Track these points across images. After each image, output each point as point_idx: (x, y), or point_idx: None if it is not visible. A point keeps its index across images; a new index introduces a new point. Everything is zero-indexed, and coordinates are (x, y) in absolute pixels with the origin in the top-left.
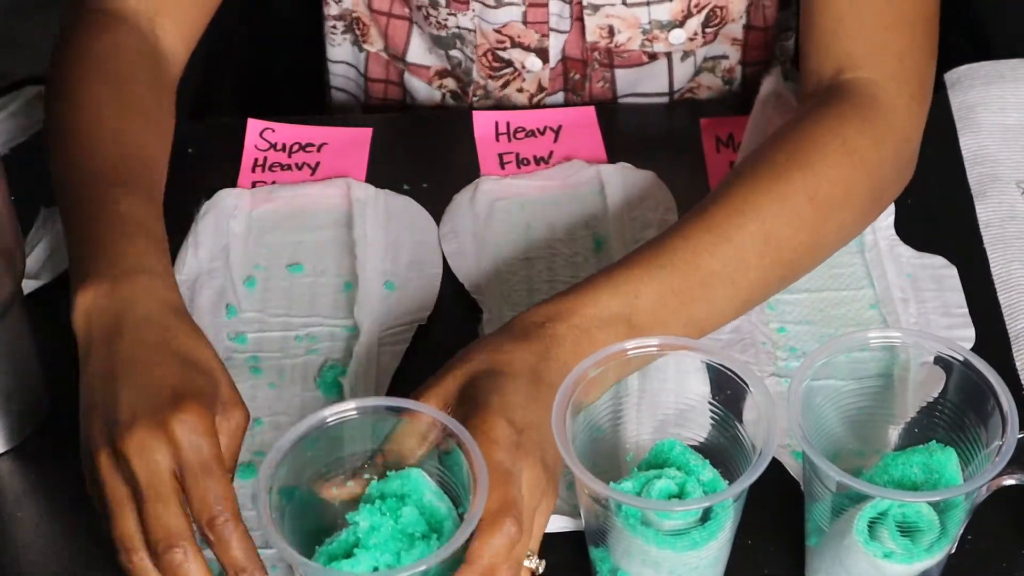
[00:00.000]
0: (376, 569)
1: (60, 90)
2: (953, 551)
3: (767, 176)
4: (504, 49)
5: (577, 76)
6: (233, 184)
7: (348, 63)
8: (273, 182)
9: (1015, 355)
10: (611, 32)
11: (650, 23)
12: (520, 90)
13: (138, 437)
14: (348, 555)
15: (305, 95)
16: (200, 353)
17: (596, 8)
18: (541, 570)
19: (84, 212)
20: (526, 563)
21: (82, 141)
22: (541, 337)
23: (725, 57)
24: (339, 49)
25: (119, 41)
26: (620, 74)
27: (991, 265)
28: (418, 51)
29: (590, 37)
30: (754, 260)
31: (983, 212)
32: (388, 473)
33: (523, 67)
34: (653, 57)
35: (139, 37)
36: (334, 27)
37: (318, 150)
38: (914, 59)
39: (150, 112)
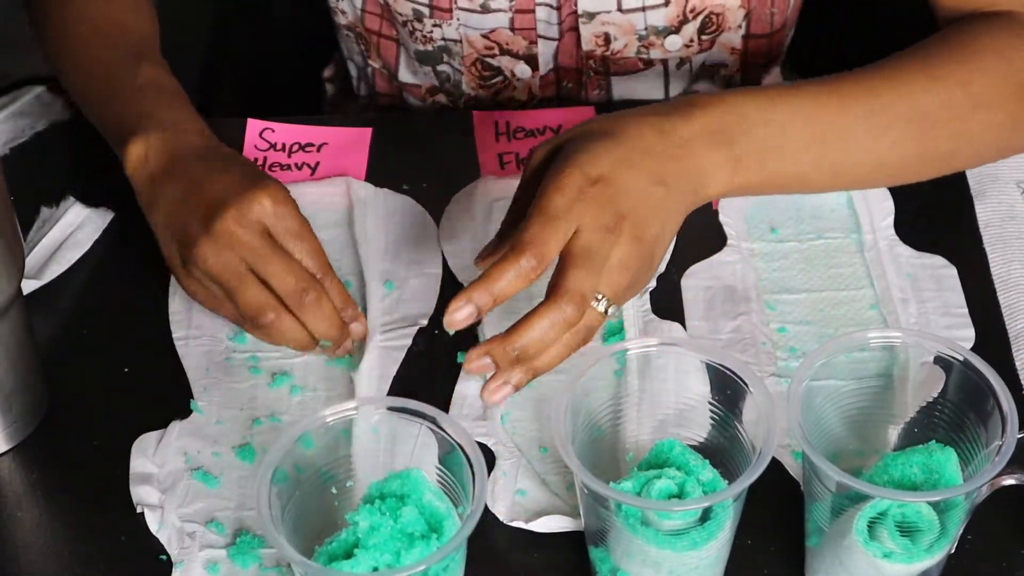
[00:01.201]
0: (376, 569)
1: (49, 6)
2: (953, 551)
3: (921, 57)
4: (493, 56)
5: (570, 85)
6: None
7: (364, 70)
8: None
9: (1015, 355)
10: (607, 40)
11: (646, 29)
12: (511, 99)
13: (234, 213)
14: (348, 555)
15: (305, 95)
16: (258, 169)
17: (592, 16)
18: (617, 314)
19: (115, 89)
20: (597, 305)
21: (86, 36)
22: (666, 113)
23: (724, 65)
24: (358, 58)
25: None
26: (616, 82)
27: (991, 265)
28: (407, 71)
29: (586, 46)
30: (900, 122)
31: (983, 212)
32: (388, 473)
33: (513, 75)
34: (649, 64)
35: None
36: (348, 36)
37: (318, 150)
38: None
39: (141, 8)
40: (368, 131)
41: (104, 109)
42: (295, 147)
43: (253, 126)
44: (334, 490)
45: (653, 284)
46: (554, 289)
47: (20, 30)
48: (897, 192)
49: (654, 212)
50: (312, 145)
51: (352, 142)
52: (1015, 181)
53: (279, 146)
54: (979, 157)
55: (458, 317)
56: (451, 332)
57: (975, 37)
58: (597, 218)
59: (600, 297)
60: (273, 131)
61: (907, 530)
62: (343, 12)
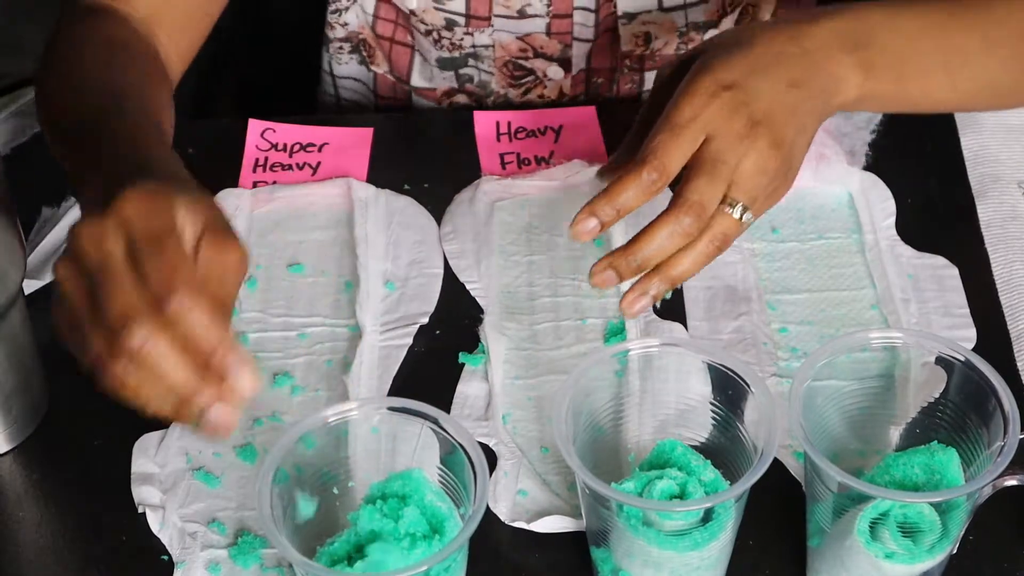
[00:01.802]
0: (377, 570)
1: (55, 60)
2: (955, 552)
3: None
4: (526, 59)
5: (600, 80)
6: (234, 184)
7: (356, 79)
8: (274, 182)
9: (1016, 355)
10: (647, 39)
11: (686, 25)
12: (541, 96)
13: (88, 225)
14: (349, 555)
15: (305, 95)
16: (195, 186)
17: (632, 16)
18: (748, 219)
19: (85, 140)
20: (731, 211)
21: (82, 100)
22: (795, 21)
23: None
24: (346, 67)
25: (116, 28)
26: (649, 76)
27: (992, 265)
28: (421, 76)
29: (625, 46)
30: (1013, 38)
31: (984, 212)
32: (389, 473)
33: (545, 75)
34: None
35: (135, 31)
36: (340, 48)
37: (319, 150)
38: None
39: (154, 72)
40: (369, 131)
41: (71, 155)
42: (296, 147)
43: (254, 126)
44: (335, 490)
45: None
46: (674, 198)
47: (20, 30)
48: (898, 192)
49: (790, 115)
50: (313, 145)
51: (353, 142)
52: (1016, 181)
53: (280, 146)
54: None
55: (583, 229)
56: (579, 243)
57: None
58: (728, 124)
59: (734, 203)
60: (274, 131)
61: (909, 531)
62: (343, 25)
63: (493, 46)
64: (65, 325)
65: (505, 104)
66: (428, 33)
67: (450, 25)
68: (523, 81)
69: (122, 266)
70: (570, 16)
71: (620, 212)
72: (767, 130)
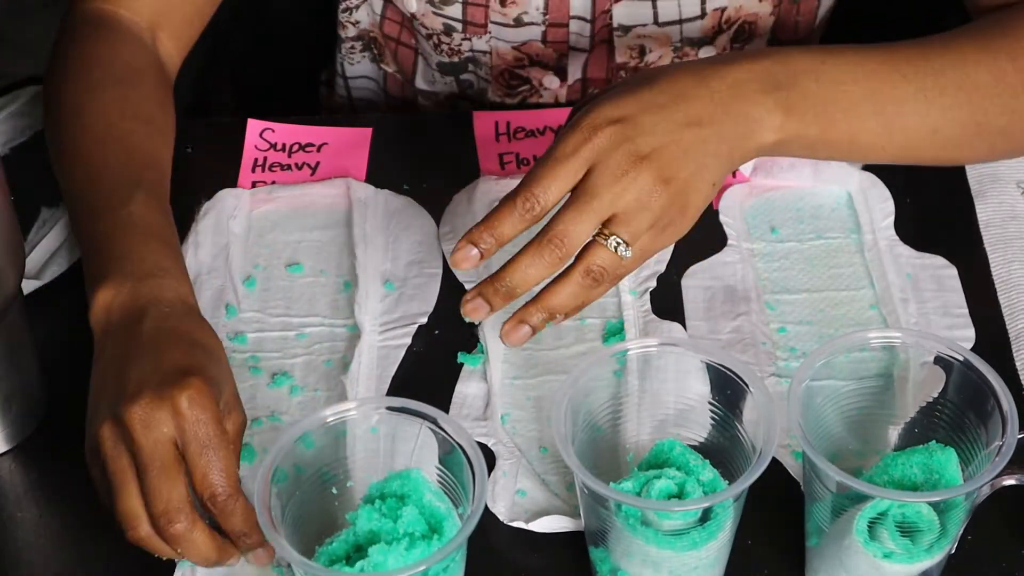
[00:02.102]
0: (376, 569)
1: (61, 94)
2: (953, 551)
3: (970, 33)
4: (522, 68)
5: (596, 91)
6: (233, 184)
7: (369, 77)
8: (273, 182)
9: (1015, 355)
10: (641, 52)
11: (681, 40)
12: (537, 106)
13: (142, 408)
14: (348, 555)
15: (306, 95)
16: (213, 343)
17: (627, 29)
18: (626, 254)
19: (96, 216)
20: (606, 243)
21: (89, 145)
22: (710, 63)
23: None
24: (359, 66)
25: (120, 44)
26: None
27: (991, 265)
28: (423, 80)
29: (619, 58)
30: (951, 88)
31: (983, 212)
32: (388, 473)
33: (540, 84)
34: None
35: (138, 43)
36: (352, 47)
37: (318, 150)
38: None
39: (155, 115)
40: (368, 131)
41: (86, 229)
42: (295, 147)
43: (253, 126)
44: (334, 490)
45: (653, 284)
46: (541, 229)
47: (20, 30)
48: (897, 192)
49: (685, 153)
50: (312, 145)
51: (352, 142)
52: (1015, 181)
53: (279, 146)
54: None
55: (463, 257)
56: (459, 272)
57: (1021, 18)
58: (609, 157)
59: (609, 236)
60: (273, 131)
61: (907, 530)
62: (354, 23)
63: (491, 52)
64: (98, 480)
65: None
66: (428, 37)
67: (448, 30)
68: (519, 91)
69: (172, 460)
70: (566, 25)
71: (498, 241)
72: (653, 165)
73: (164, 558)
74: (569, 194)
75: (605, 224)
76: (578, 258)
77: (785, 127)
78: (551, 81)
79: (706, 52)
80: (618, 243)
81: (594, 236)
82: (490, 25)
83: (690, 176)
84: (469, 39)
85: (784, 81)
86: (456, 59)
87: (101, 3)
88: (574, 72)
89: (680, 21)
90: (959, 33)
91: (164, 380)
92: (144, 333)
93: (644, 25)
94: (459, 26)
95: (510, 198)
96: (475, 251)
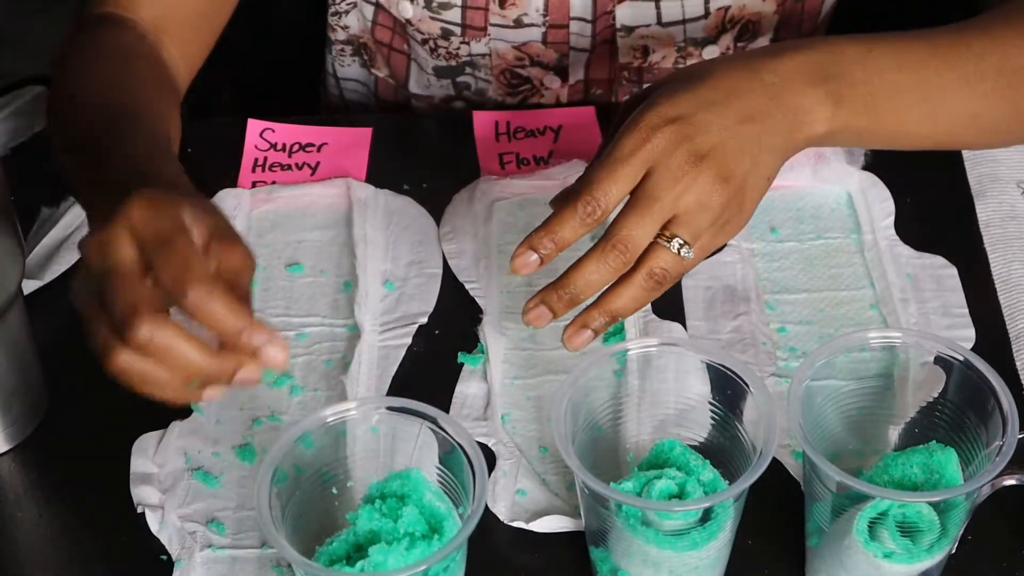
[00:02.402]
0: (376, 569)
1: (64, 81)
2: (953, 551)
3: (1005, 19)
4: (523, 67)
5: (599, 91)
6: (233, 184)
7: (359, 81)
8: (273, 182)
9: (1015, 355)
10: (645, 52)
11: (685, 40)
12: (538, 105)
13: (94, 237)
14: (348, 555)
15: (306, 95)
16: (195, 194)
17: (630, 30)
18: (688, 255)
19: (93, 162)
20: (668, 246)
21: (90, 122)
22: (758, 55)
23: None
24: (349, 69)
25: (125, 40)
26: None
27: (991, 265)
28: (417, 84)
29: (622, 58)
30: (992, 72)
31: (983, 212)
32: (388, 473)
33: (542, 84)
34: None
35: (144, 41)
36: (342, 51)
37: (318, 150)
38: None
39: (162, 85)
40: (368, 131)
41: (82, 182)
42: (295, 147)
43: (253, 126)
44: (334, 490)
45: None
46: (604, 233)
47: (20, 30)
48: (897, 192)
49: (740, 150)
50: (312, 145)
51: (352, 142)
52: (1015, 181)
53: (279, 146)
54: None
55: (523, 263)
56: (518, 276)
57: None
58: (668, 158)
59: (672, 239)
60: (273, 131)
61: (908, 530)
62: (344, 28)
63: (490, 55)
64: (89, 335)
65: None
66: (424, 42)
67: (446, 35)
68: (520, 90)
69: (129, 268)
70: (566, 26)
71: (558, 246)
72: (712, 164)
73: (166, 395)
74: (629, 196)
75: (665, 225)
76: (640, 260)
77: (835, 118)
78: (552, 81)
79: (710, 52)
80: (680, 244)
81: (655, 238)
82: (489, 28)
83: (747, 173)
84: (467, 43)
85: (833, 71)
86: (454, 63)
87: (106, 8)
88: (576, 72)
89: (684, 21)
90: (996, 17)
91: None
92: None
93: (647, 26)
94: (458, 30)
95: (571, 202)
96: (535, 256)
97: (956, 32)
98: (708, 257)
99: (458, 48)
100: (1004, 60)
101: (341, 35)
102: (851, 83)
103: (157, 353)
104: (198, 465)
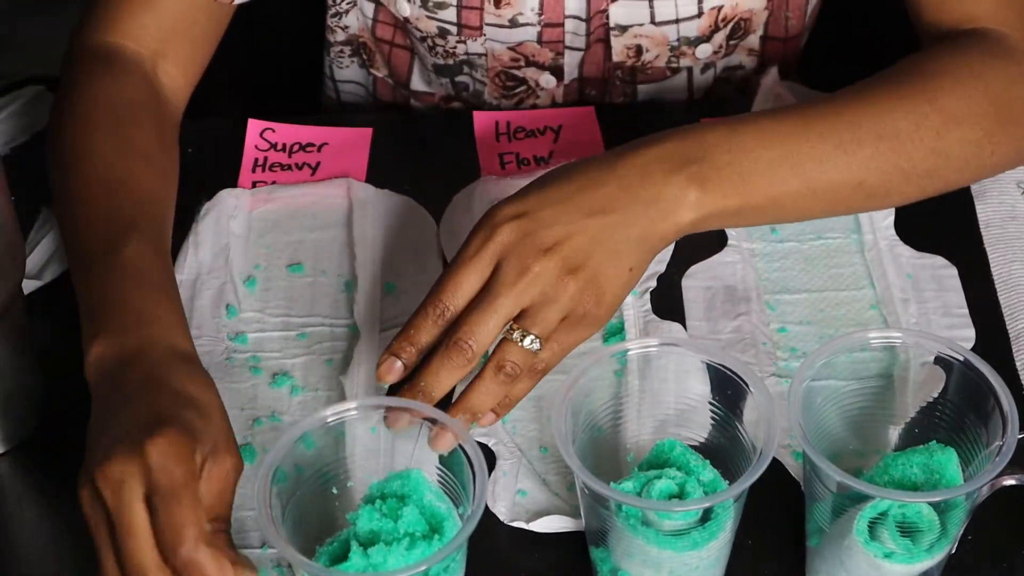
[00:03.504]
0: (376, 569)
1: (62, 138)
2: (954, 551)
3: (884, 80)
4: (518, 68)
5: (593, 92)
6: (233, 184)
7: (357, 82)
8: (273, 182)
9: (1015, 355)
10: (638, 51)
11: (678, 40)
12: (534, 107)
13: (111, 468)
14: (348, 555)
15: (306, 95)
16: (200, 395)
17: (624, 29)
18: (535, 347)
19: (89, 264)
20: (516, 340)
21: (85, 190)
22: (617, 151)
23: (741, 67)
24: (347, 71)
25: (121, 84)
26: (642, 88)
27: (991, 265)
28: (420, 80)
29: (616, 57)
30: (870, 138)
31: (983, 212)
32: (388, 473)
33: (537, 85)
34: (676, 71)
35: (140, 78)
36: (340, 52)
37: (318, 150)
38: None
39: (155, 156)
40: (368, 131)
41: (81, 278)
42: (295, 147)
43: (254, 126)
44: (334, 490)
45: (653, 284)
46: (449, 331)
47: (20, 30)
48: None
49: (591, 242)
50: (312, 145)
51: (352, 142)
52: (1015, 181)
53: (280, 146)
54: (960, 175)
55: (387, 371)
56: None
57: (941, 57)
58: (512, 253)
59: (516, 331)
60: (274, 131)
61: (908, 530)
62: (343, 28)
63: (486, 55)
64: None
65: None
66: (423, 40)
67: (443, 33)
68: (515, 91)
69: (143, 524)
70: (561, 25)
71: (418, 350)
72: (556, 257)
73: None
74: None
75: (517, 319)
76: (491, 356)
77: (702, 203)
78: (548, 81)
79: (703, 50)
80: (528, 338)
81: (505, 333)
82: (485, 27)
83: (600, 265)
84: (464, 42)
85: (693, 156)
86: (451, 62)
87: (103, 36)
88: (570, 72)
89: (677, 20)
90: (873, 82)
91: (137, 433)
92: (129, 385)
93: (641, 24)
94: (454, 29)
95: (423, 306)
96: (399, 363)
97: (829, 102)
98: (568, 352)
99: (455, 47)
100: (882, 125)
101: (340, 36)
102: (715, 166)
103: None
104: None
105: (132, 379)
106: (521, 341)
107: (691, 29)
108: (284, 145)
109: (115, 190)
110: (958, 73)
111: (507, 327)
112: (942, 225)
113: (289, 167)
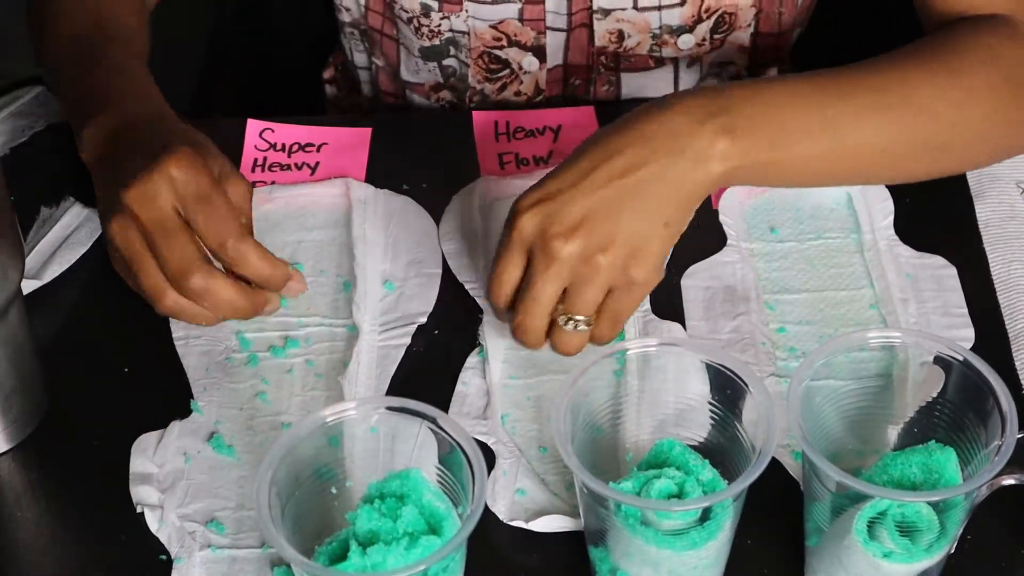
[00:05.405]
0: (376, 569)
1: None
2: (952, 551)
3: (908, 53)
4: (500, 48)
5: (578, 82)
6: None
7: (365, 68)
8: (273, 182)
9: (1014, 355)
10: (620, 36)
11: (660, 27)
12: (518, 93)
13: (137, 188)
14: (347, 555)
15: (305, 95)
16: (197, 135)
17: (607, 12)
18: (583, 329)
19: (76, 75)
20: (566, 326)
21: (64, 21)
22: (642, 108)
23: (732, 64)
24: (361, 56)
25: None
26: (626, 79)
27: (991, 265)
28: (408, 70)
29: (599, 41)
30: (896, 103)
31: (983, 212)
32: (388, 473)
33: (520, 67)
34: (660, 63)
35: None
36: (352, 33)
37: (318, 150)
38: None
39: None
40: (368, 131)
41: (67, 88)
42: (295, 147)
43: (253, 126)
44: (334, 490)
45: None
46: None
47: (20, 30)
48: (897, 192)
49: (615, 211)
50: (312, 145)
51: (352, 142)
52: (1015, 181)
53: (279, 146)
54: (972, 153)
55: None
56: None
57: (961, 35)
58: (538, 242)
59: (562, 317)
60: (273, 131)
61: (907, 530)
62: (347, 9)
63: (469, 33)
64: (123, 272)
65: (482, 101)
66: (409, 21)
67: (426, 11)
68: (499, 75)
69: (178, 223)
70: (542, 3)
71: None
72: (580, 238)
73: (205, 325)
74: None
75: (563, 301)
76: (550, 344)
77: (731, 152)
78: (530, 63)
79: (685, 40)
80: (571, 322)
81: (555, 316)
82: (466, 3)
83: (631, 231)
84: (448, 17)
85: (721, 108)
86: (437, 41)
87: None
88: (553, 54)
89: (660, 7)
90: (899, 53)
91: (152, 159)
92: (133, 140)
93: (623, 9)
94: (436, 4)
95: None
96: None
97: (852, 68)
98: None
99: (439, 24)
100: (907, 93)
101: (346, 16)
102: (745, 115)
103: (205, 298)
104: (211, 432)
105: (134, 137)
106: (566, 325)
107: (673, 17)
108: (283, 145)
109: (94, 20)
110: (979, 51)
111: (558, 310)
112: (942, 225)
113: (288, 167)
